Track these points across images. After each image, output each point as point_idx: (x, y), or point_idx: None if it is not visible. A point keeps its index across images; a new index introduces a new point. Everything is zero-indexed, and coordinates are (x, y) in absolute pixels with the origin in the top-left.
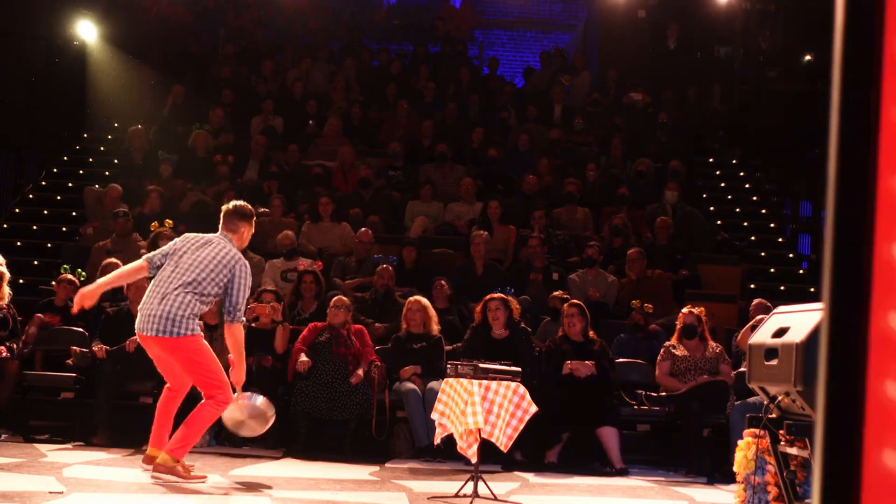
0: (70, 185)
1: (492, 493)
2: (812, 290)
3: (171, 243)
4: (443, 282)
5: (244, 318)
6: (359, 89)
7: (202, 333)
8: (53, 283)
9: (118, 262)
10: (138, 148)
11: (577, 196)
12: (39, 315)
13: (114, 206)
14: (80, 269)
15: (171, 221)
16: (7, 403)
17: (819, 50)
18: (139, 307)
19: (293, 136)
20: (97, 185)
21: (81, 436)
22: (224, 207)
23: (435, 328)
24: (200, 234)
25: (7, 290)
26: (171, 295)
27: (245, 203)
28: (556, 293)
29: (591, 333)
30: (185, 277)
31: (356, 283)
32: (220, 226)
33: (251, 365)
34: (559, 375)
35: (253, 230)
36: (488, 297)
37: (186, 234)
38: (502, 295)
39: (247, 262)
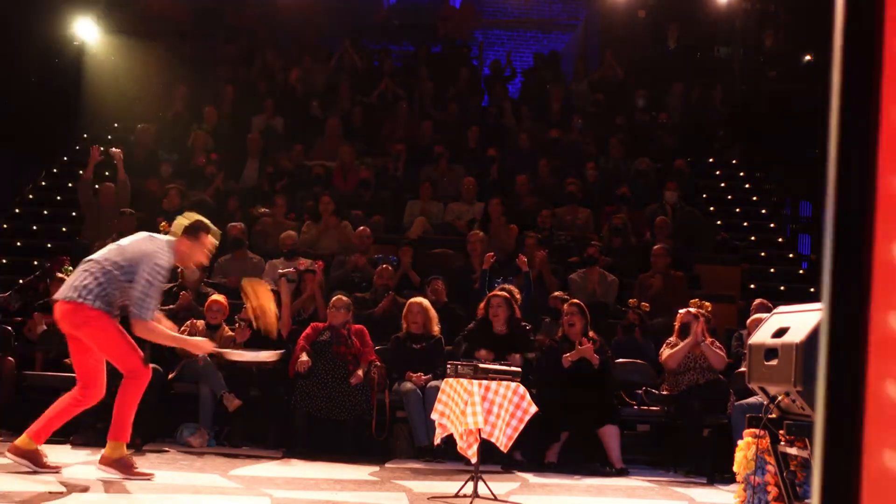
0: (70, 185)
1: (492, 493)
2: (812, 290)
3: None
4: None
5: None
6: (359, 89)
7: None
8: (48, 279)
9: None
10: (142, 146)
11: (577, 196)
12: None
13: (109, 204)
14: (70, 268)
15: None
16: (6, 403)
17: (819, 50)
18: None
19: (294, 136)
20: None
21: (80, 436)
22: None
23: (435, 329)
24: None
25: None
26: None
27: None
28: (556, 293)
29: (592, 333)
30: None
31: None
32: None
33: (252, 365)
34: (560, 368)
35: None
36: (492, 293)
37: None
38: (505, 294)
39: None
